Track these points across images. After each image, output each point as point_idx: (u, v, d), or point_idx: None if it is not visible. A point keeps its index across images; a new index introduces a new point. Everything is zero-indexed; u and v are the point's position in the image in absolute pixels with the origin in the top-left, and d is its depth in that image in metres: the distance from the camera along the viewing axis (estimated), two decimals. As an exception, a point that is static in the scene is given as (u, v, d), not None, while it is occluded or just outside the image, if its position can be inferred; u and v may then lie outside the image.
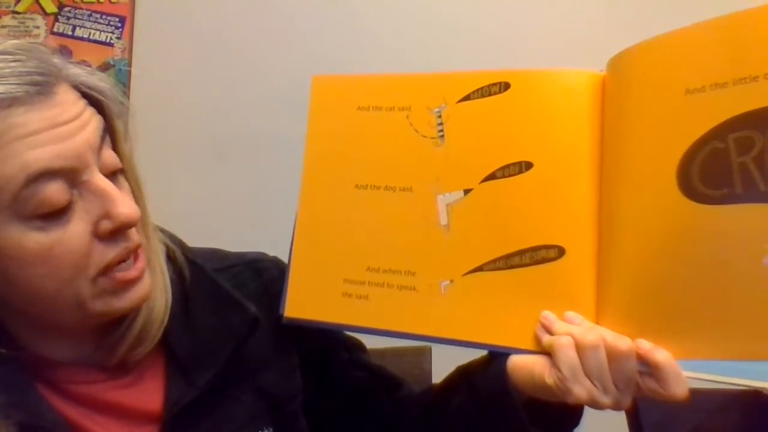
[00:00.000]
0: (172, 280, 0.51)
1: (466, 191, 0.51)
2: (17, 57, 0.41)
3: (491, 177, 0.50)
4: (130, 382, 0.49)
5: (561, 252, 0.47)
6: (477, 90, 0.52)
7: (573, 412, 0.49)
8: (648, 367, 0.42)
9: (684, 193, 0.42)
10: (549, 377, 0.44)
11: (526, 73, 0.51)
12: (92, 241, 0.42)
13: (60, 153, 0.40)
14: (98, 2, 1.33)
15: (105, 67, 1.33)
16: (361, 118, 0.55)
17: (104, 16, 1.34)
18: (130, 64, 1.33)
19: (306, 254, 0.55)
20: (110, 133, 0.46)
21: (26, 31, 1.36)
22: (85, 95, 0.44)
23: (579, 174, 0.48)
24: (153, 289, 0.48)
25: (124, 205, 0.43)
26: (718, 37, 0.41)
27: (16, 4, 1.36)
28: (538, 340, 0.47)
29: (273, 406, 0.54)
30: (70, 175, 0.41)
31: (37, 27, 1.37)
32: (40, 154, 0.39)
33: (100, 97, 0.45)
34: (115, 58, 1.33)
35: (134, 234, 0.45)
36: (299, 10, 1.35)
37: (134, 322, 0.47)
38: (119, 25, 1.34)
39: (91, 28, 1.35)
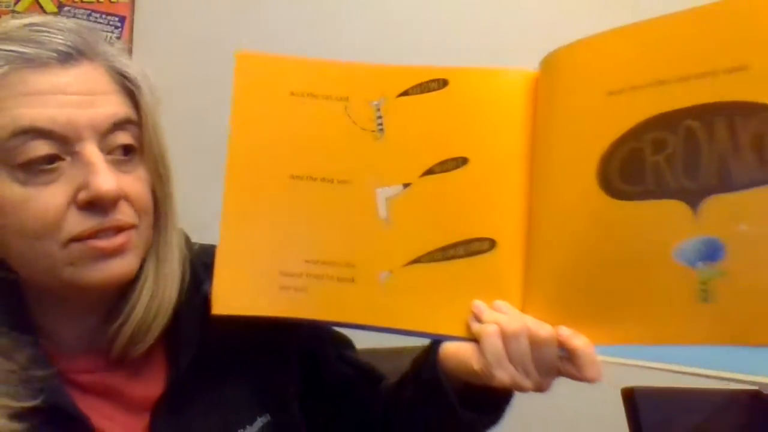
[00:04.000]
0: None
1: (405, 185, 0.52)
2: (51, 28, 0.45)
3: (429, 172, 0.52)
4: (132, 372, 0.50)
5: (492, 245, 0.49)
6: (416, 85, 0.53)
7: (506, 395, 0.51)
8: (567, 352, 0.45)
9: (603, 189, 0.44)
10: (476, 363, 0.46)
11: (464, 71, 0.52)
12: (68, 208, 0.44)
13: (53, 117, 0.43)
14: (98, 2, 1.33)
15: None
16: (294, 104, 0.53)
17: (104, 16, 1.34)
18: None
19: (236, 247, 0.52)
20: (138, 124, 0.48)
21: None
22: (121, 83, 0.48)
23: (511, 170, 0.50)
24: (156, 285, 0.49)
25: (105, 179, 0.44)
26: (637, 41, 0.44)
27: (15, 4, 1.35)
28: (469, 327, 0.49)
29: (270, 394, 0.54)
30: (62, 141, 0.44)
31: None
32: (34, 113, 0.43)
33: (134, 88, 0.48)
34: None
35: (118, 214, 0.45)
36: (299, 10, 1.34)
37: (131, 316, 0.48)
38: (119, 24, 1.34)
39: None
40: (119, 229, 0.46)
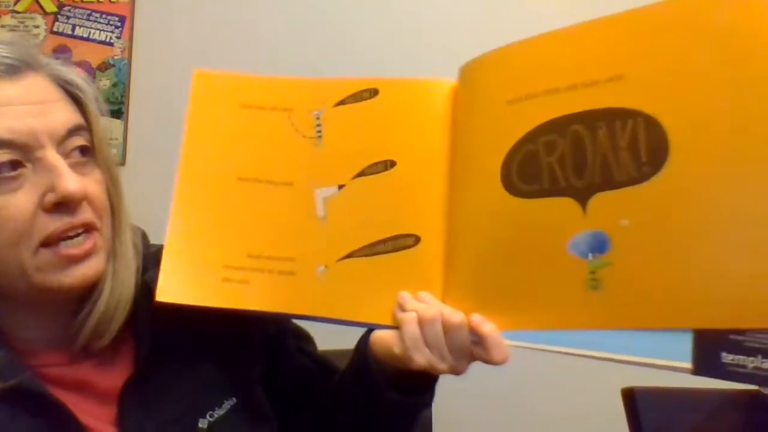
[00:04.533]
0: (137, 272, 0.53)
1: (340, 186, 0.57)
2: None
3: (361, 174, 0.57)
4: (100, 362, 0.52)
5: (417, 240, 0.54)
6: (351, 95, 0.58)
7: (431, 380, 0.55)
8: (477, 337, 0.49)
9: (506, 188, 0.48)
10: (397, 347, 0.50)
11: (393, 82, 0.57)
12: (37, 212, 0.46)
13: (12, 127, 0.45)
14: (98, 2, 1.34)
15: (105, 67, 1.34)
16: (244, 115, 0.59)
17: (104, 16, 1.34)
18: (129, 64, 1.34)
19: (182, 241, 0.56)
20: (88, 129, 0.51)
21: (26, 30, 1.36)
22: (67, 91, 0.50)
23: (434, 172, 0.54)
24: (115, 281, 0.50)
25: (70, 181, 0.46)
26: (532, 54, 0.48)
27: (15, 4, 1.36)
28: (394, 316, 0.53)
29: (236, 377, 0.57)
30: (23, 149, 0.46)
31: (37, 26, 1.37)
32: None
33: (79, 93, 0.51)
34: (115, 57, 1.34)
35: (84, 213, 0.48)
36: (300, 9, 1.37)
37: (92, 311, 0.50)
38: (119, 24, 1.34)
39: (91, 28, 1.35)
40: (88, 227, 0.48)
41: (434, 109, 0.55)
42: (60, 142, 0.48)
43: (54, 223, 0.47)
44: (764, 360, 0.40)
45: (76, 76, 0.51)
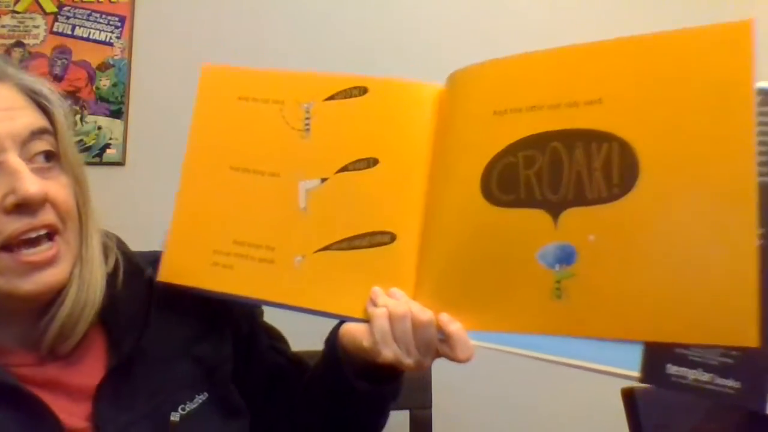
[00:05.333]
0: (108, 275, 0.54)
1: (323, 179, 0.59)
2: None
3: (344, 169, 0.58)
4: (70, 362, 0.52)
5: (393, 238, 0.56)
6: (341, 91, 0.59)
7: (397, 372, 0.57)
8: (444, 335, 0.51)
9: (484, 195, 0.51)
10: (366, 341, 0.52)
11: (383, 81, 0.59)
12: None
13: None
14: (98, 2, 1.33)
15: (105, 67, 1.34)
16: (240, 107, 0.61)
17: (104, 16, 1.34)
18: (129, 64, 1.33)
19: (183, 226, 0.60)
20: (54, 134, 0.51)
21: (26, 30, 1.35)
22: (33, 100, 0.51)
23: (414, 173, 0.56)
24: (81, 285, 0.50)
25: (31, 183, 0.46)
26: (520, 70, 0.50)
27: (15, 4, 1.35)
28: (366, 310, 0.55)
29: (208, 373, 0.58)
30: None
31: (37, 26, 1.36)
32: None
33: (46, 102, 0.51)
34: (115, 57, 1.33)
35: (46, 215, 0.48)
36: (300, 9, 1.36)
37: (56, 316, 0.50)
38: (119, 24, 1.33)
39: (90, 28, 1.35)
40: (49, 229, 0.48)
41: (420, 112, 0.57)
42: (23, 144, 0.49)
43: (14, 224, 0.47)
44: (704, 373, 0.43)
45: (42, 85, 0.52)
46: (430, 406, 0.91)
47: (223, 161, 0.61)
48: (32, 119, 0.50)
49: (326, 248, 0.58)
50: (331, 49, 1.35)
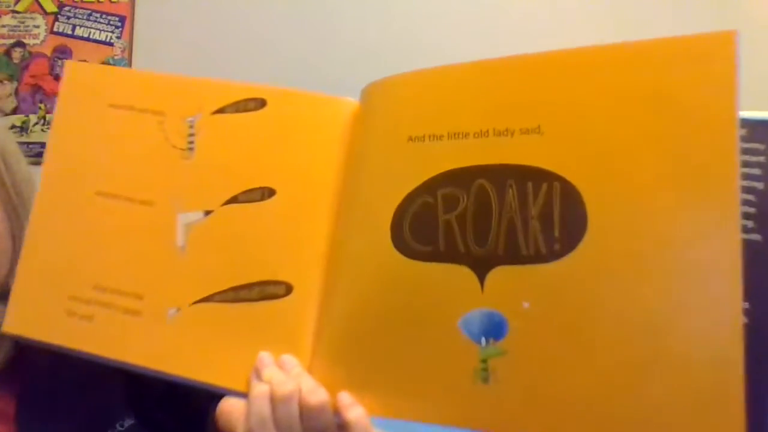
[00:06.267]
0: None
1: (207, 212, 0.47)
2: None
3: (234, 200, 0.47)
4: None
5: (288, 290, 0.44)
6: (233, 103, 0.48)
7: None
8: (342, 422, 0.40)
9: (395, 245, 0.40)
10: (241, 426, 0.41)
11: (284, 93, 0.47)
12: None
13: None
14: (98, 2, 1.33)
15: None
16: (111, 116, 0.50)
17: (104, 16, 1.34)
18: (129, 64, 1.33)
19: (33, 264, 0.49)
20: None
21: (26, 30, 1.36)
22: None
23: (318, 209, 0.45)
24: None
25: None
26: (443, 86, 0.39)
27: (16, 4, 1.35)
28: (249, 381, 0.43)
29: (133, 400, 0.53)
30: None
31: (37, 26, 1.37)
32: None
33: None
34: (115, 57, 1.32)
35: None
36: (301, 9, 1.33)
37: None
38: (119, 24, 1.33)
39: (91, 28, 1.35)
40: None
41: (329, 134, 0.46)
42: None
43: None
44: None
45: None
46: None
47: (88, 185, 0.49)
48: None
49: (206, 299, 0.46)
50: (334, 49, 1.34)
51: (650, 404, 0.32)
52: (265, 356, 0.43)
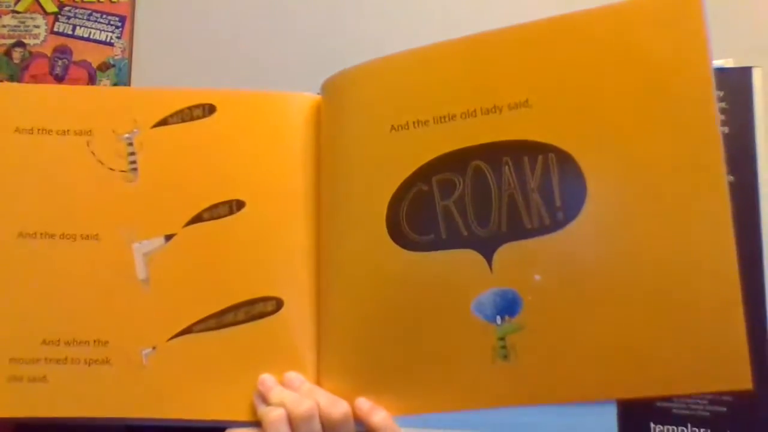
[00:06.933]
0: None
1: (168, 237, 0.42)
2: None
3: (197, 219, 0.42)
4: None
5: (279, 305, 0.41)
6: (176, 113, 0.43)
7: None
8: (366, 429, 0.38)
9: (394, 239, 0.38)
10: None
11: (234, 95, 0.43)
12: None
13: None
14: (98, 2, 1.33)
15: (105, 67, 1.32)
16: (22, 143, 0.43)
17: (104, 16, 1.34)
18: (129, 64, 1.31)
19: None
20: None
21: (26, 30, 1.36)
22: None
23: (295, 213, 0.42)
24: None
25: None
26: (420, 69, 0.38)
27: (16, 4, 1.34)
28: (254, 408, 0.40)
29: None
30: None
31: (37, 26, 1.36)
32: None
33: None
34: (115, 57, 1.31)
35: None
36: (302, 10, 1.25)
37: None
38: (119, 24, 1.33)
39: (91, 28, 1.35)
40: None
41: (290, 133, 0.43)
42: None
43: None
44: (693, 429, 0.35)
45: None
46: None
47: (5, 226, 0.42)
48: None
49: (186, 331, 0.42)
50: (337, 50, 1.25)
51: (662, 357, 0.34)
52: (267, 378, 0.40)
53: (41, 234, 0.42)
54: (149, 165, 0.43)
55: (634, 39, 0.34)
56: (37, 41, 1.32)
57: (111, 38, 1.32)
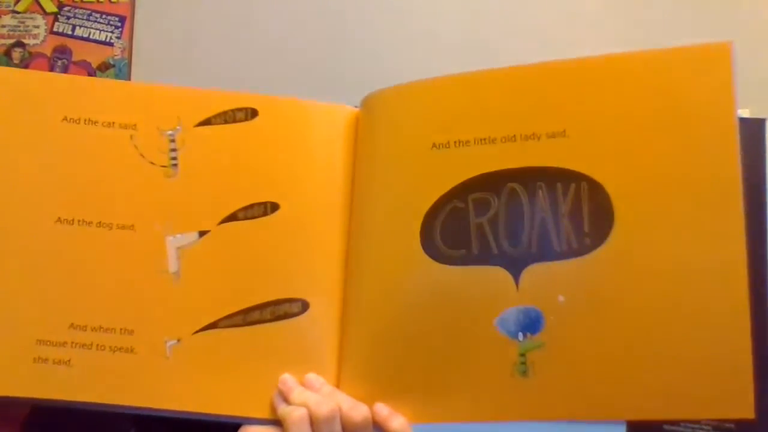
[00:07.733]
0: None
1: (202, 233, 0.43)
2: None
3: (232, 218, 0.44)
4: None
5: (305, 306, 0.43)
6: (219, 114, 0.45)
7: None
8: (383, 434, 0.39)
9: (426, 251, 0.40)
10: None
11: (276, 102, 0.45)
12: None
13: None
14: (98, 2, 1.34)
15: (105, 67, 1.33)
16: (68, 132, 0.44)
17: (104, 16, 1.34)
18: (129, 64, 1.33)
19: None
20: None
21: (26, 30, 1.35)
22: None
23: (328, 219, 0.44)
24: None
25: None
26: (465, 92, 0.40)
27: (16, 4, 1.34)
28: (274, 407, 0.41)
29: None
30: None
31: (37, 26, 1.36)
32: None
33: None
34: (115, 57, 1.33)
35: None
36: (303, 9, 1.29)
37: None
38: (119, 24, 1.34)
39: (91, 28, 1.35)
40: None
41: (328, 142, 0.45)
42: None
43: None
44: (700, 452, 0.37)
45: None
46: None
47: (45, 211, 0.43)
48: None
49: (212, 326, 0.43)
50: (339, 51, 1.28)
51: (672, 382, 0.36)
52: (289, 378, 0.41)
53: (78, 221, 0.43)
54: (189, 162, 0.44)
55: (670, 83, 0.37)
56: (37, 41, 1.33)
57: (111, 38, 1.32)
